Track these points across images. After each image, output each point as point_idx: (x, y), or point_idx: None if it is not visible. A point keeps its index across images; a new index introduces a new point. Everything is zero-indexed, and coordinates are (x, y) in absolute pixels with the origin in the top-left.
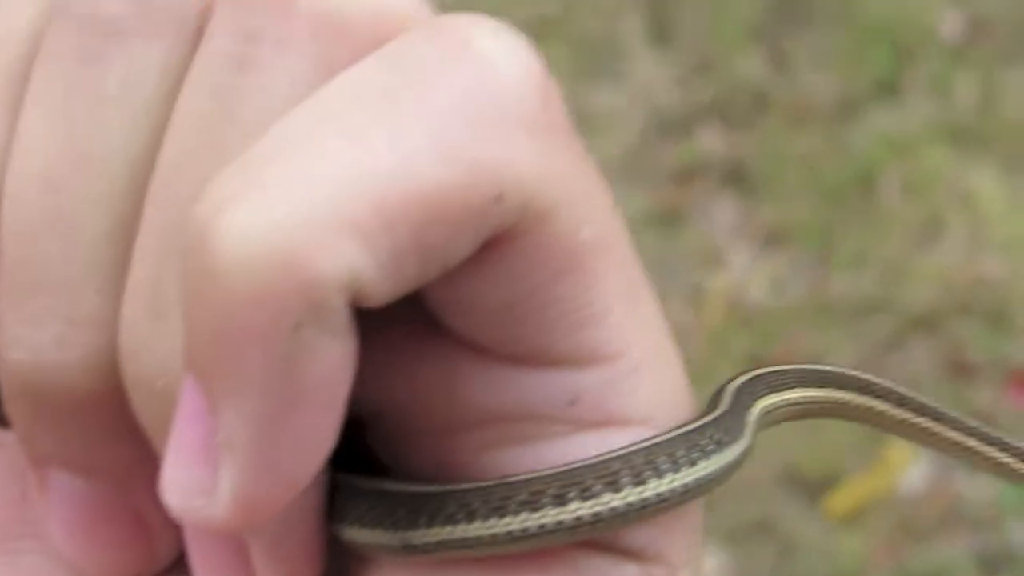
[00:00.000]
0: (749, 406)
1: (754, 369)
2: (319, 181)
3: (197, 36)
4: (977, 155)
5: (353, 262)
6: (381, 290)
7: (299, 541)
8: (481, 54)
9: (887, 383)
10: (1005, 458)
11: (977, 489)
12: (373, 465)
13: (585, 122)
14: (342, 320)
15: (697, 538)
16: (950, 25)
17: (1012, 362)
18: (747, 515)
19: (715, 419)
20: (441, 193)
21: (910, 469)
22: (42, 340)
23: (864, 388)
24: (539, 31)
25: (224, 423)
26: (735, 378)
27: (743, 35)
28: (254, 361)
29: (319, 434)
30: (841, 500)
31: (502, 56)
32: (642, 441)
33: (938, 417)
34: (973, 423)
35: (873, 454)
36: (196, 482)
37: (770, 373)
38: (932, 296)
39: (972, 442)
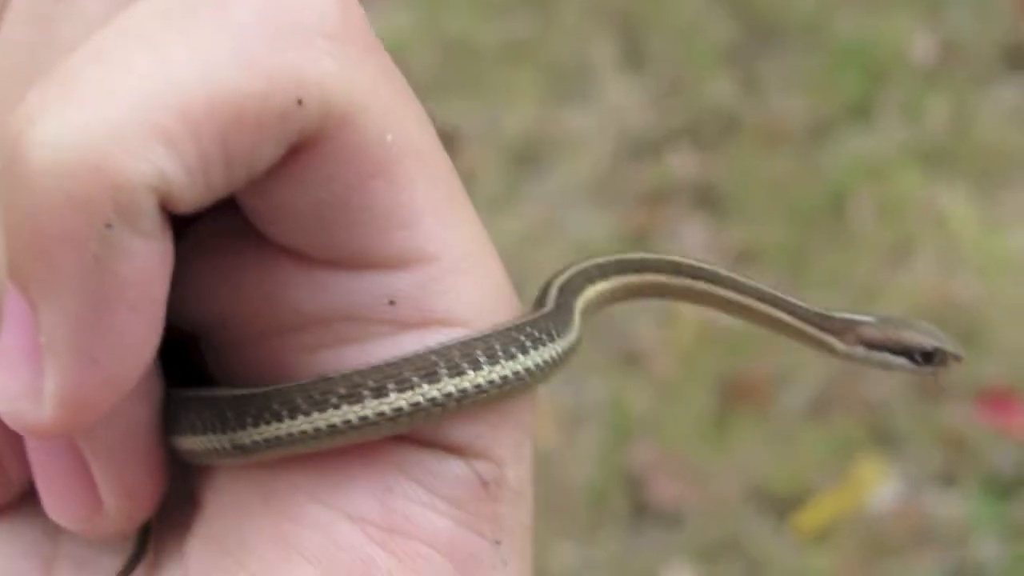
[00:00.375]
0: (572, 302)
1: (572, 265)
2: (125, 91)
3: None
4: (948, 177)
5: (160, 165)
6: (191, 194)
7: (136, 454)
8: None
9: (696, 263)
10: (806, 328)
11: (946, 506)
12: (207, 383)
13: (556, 145)
14: (153, 222)
15: (524, 437)
16: (921, 48)
17: (984, 381)
18: (716, 532)
19: (535, 318)
20: (242, 99)
21: (879, 486)
22: None
23: (677, 269)
24: (511, 55)
25: (44, 324)
26: (556, 276)
27: (714, 58)
28: (68, 261)
29: (138, 333)
30: (810, 517)
31: None
32: (461, 338)
33: (742, 289)
34: (777, 293)
35: (842, 471)
36: (22, 385)
37: (589, 267)
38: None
39: (776, 312)
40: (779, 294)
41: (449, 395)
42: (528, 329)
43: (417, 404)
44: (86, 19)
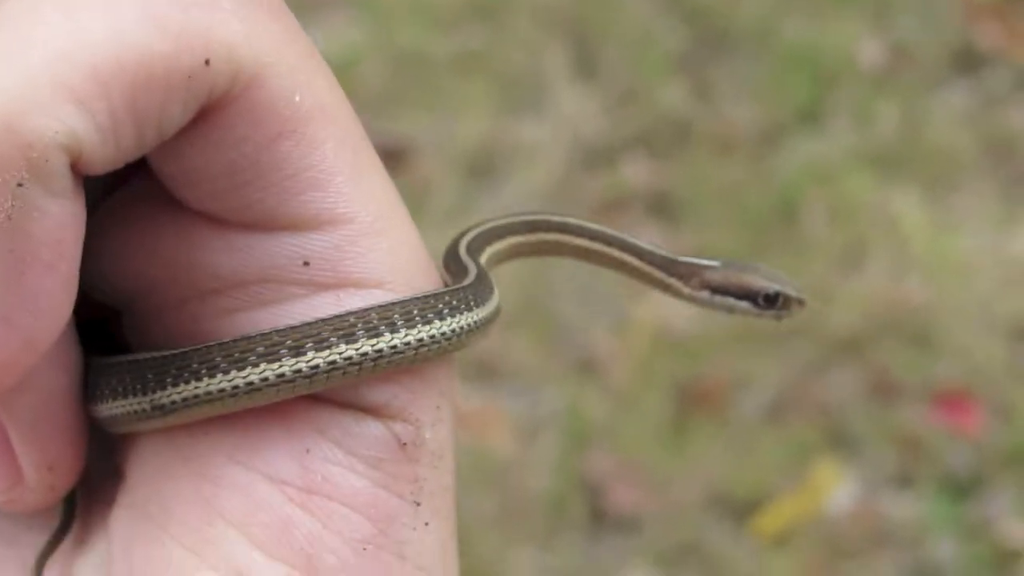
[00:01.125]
0: (483, 270)
1: (472, 228)
2: (34, 51)
3: None
4: (899, 180)
5: (71, 124)
6: (103, 154)
7: (56, 424)
8: None
9: (549, 216)
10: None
11: (903, 507)
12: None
13: (510, 155)
14: (65, 182)
15: (443, 401)
16: (869, 53)
17: (937, 382)
18: (675, 538)
19: (455, 288)
20: (150, 59)
21: (836, 489)
22: None
23: (532, 226)
24: (464, 66)
25: None
26: (460, 238)
27: (666, 67)
28: None
29: (52, 294)
30: (769, 521)
31: None
32: (380, 302)
33: (592, 236)
34: (626, 238)
35: (799, 475)
36: None
37: (487, 230)
38: (856, 320)
39: (625, 256)
40: (628, 239)
41: (365, 355)
42: (447, 297)
43: (334, 363)
44: None
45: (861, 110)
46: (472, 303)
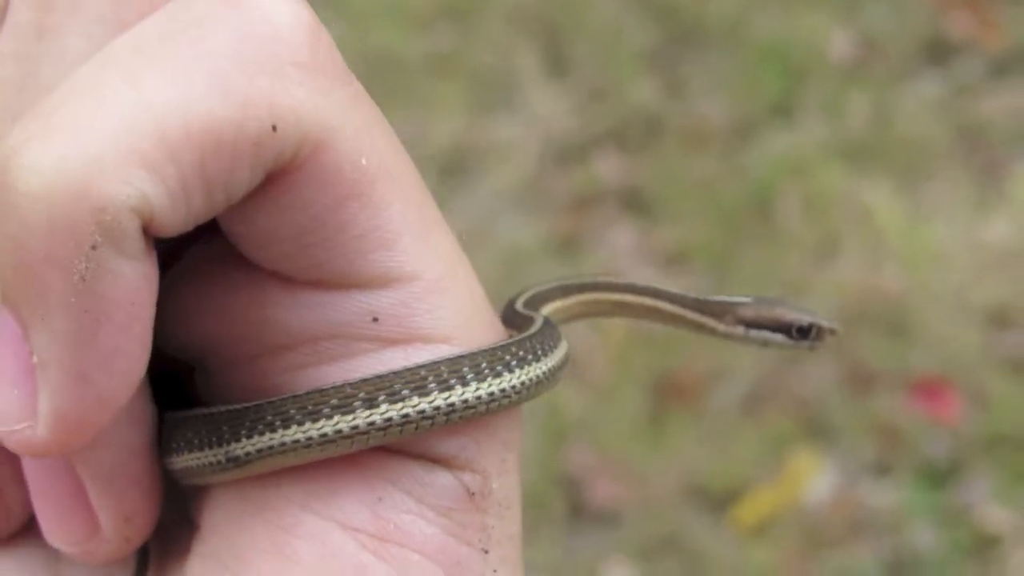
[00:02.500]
0: (549, 321)
1: (515, 298)
2: (105, 119)
3: (3, 13)
4: (871, 172)
5: (142, 188)
6: (173, 217)
7: (131, 477)
8: (254, 3)
9: (610, 279)
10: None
11: (881, 496)
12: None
13: (483, 154)
14: (137, 244)
15: (508, 453)
16: (840, 46)
17: (913, 371)
18: (654, 531)
19: (521, 338)
20: (218, 125)
21: (814, 479)
22: None
23: (595, 287)
24: (436, 67)
25: (36, 344)
26: (517, 298)
27: (637, 64)
28: (56, 282)
29: (127, 352)
30: (747, 512)
31: (272, 4)
32: (450, 355)
33: (658, 295)
34: (656, 287)
35: (777, 466)
36: (18, 407)
37: (528, 299)
38: (831, 310)
39: (658, 303)
40: (659, 288)
41: (438, 409)
42: (514, 349)
43: (407, 416)
44: (68, 57)
45: (832, 102)
46: (540, 353)
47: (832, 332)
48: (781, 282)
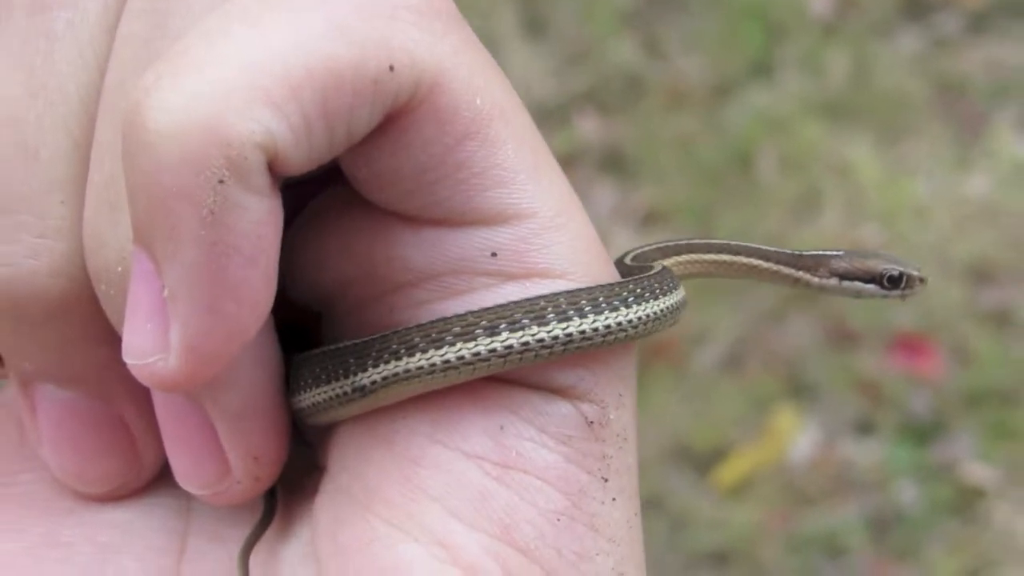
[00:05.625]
0: (667, 268)
1: (628, 252)
2: (231, 60)
3: None
4: (851, 128)
5: (267, 124)
6: (296, 154)
7: (260, 417)
8: None
9: (707, 240)
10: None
11: (864, 453)
12: None
13: None
14: (262, 180)
15: (625, 388)
16: (819, 3)
17: (893, 327)
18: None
19: (640, 277)
20: (337, 64)
21: (797, 437)
22: (16, 253)
23: (691, 249)
24: None
25: (167, 278)
26: (624, 256)
27: (616, 23)
28: (186, 216)
29: (253, 285)
30: (730, 471)
31: None
32: (570, 288)
33: (753, 253)
34: (750, 245)
35: (760, 424)
36: (151, 340)
37: (643, 252)
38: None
39: (754, 261)
40: (753, 246)
41: (556, 338)
42: (631, 286)
43: (526, 344)
44: (195, 9)
45: (812, 59)
46: (657, 292)
47: (922, 280)
48: (762, 239)
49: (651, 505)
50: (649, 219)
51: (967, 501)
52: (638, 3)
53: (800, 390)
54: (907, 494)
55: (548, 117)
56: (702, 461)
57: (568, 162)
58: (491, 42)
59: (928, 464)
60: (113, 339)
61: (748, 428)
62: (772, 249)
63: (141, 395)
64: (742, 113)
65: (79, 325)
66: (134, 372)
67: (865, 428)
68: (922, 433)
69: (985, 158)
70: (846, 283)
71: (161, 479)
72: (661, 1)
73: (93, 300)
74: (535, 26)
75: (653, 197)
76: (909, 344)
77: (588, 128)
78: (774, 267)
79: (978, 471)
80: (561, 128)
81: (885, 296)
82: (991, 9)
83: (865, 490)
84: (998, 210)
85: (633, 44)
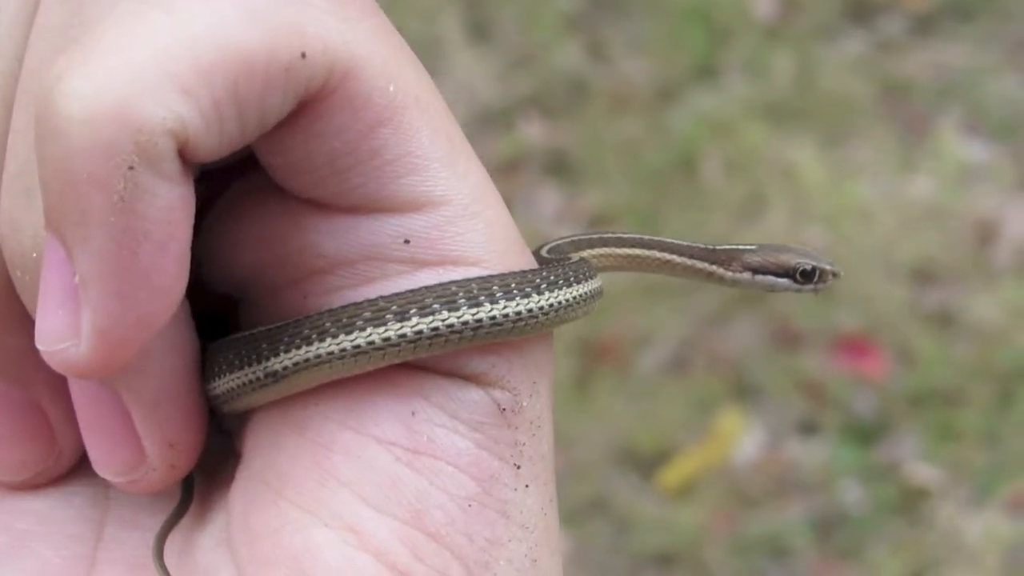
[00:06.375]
0: (583, 259)
1: (542, 245)
2: (141, 46)
3: None
4: (795, 130)
5: (177, 110)
6: (207, 141)
7: (175, 403)
8: None
9: (619, 234)
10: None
11: (809, 454)
12: None
13: None
14: (173, 166)
15: (540, 375)
16: (763, 5)
17: (837, 329)
18: (583, 494)
19: (554, 266)
20: (249, 51)
21: (741, 438)
22: None
23: (604, 243)
24: None
25: (78, 264)
26: (539, 249)
27: (560, 27)
28: (96, 202)
29: (164, 271)
30: (675, 473)
31: None
32: (481, 275)
33: (666, 247)
34: (664, 239)
35: (704, 426)
36: (62, 326)
37: (556, 246)
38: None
39: (667, 256)
40: (667, 240)
41: (466, 323)
42: (544, 273)
43: (436, 329)
44: None
45: (756, 62)
46: (571, 280)
47: (835, 275)
48: (707, 241)
49: (596, 507)
50: (594, 223)
51: (911, 501)
52: (582, 7)
53: (744, 391)
54: (851, 495)
55: (493, 121)
56: (647, 463)
57: (513, 166)
58: (436, 46)
59: (872, 465)
60: (30, 325)
61: (693, 430)
62: (685, 244)
63: (58, 382)
64: (686, 116)
65: None
66: (46, 358)
67: (809, 429)
68: (866, 434)
69: (929, 160)
70: (759, 277)
71: (79, 468)
72: (605, 4)
73: (9, 287)
74: (480, 30)
75: (598, 200)
76: (853, 345)
77: (533, 132)
78: (687, 261)
79: (922, 471)
80: (506, 132)
81: (799, 290)
82: (935, 11)
83: (809, 491)
84: (942, 211)
85: (577, 48)
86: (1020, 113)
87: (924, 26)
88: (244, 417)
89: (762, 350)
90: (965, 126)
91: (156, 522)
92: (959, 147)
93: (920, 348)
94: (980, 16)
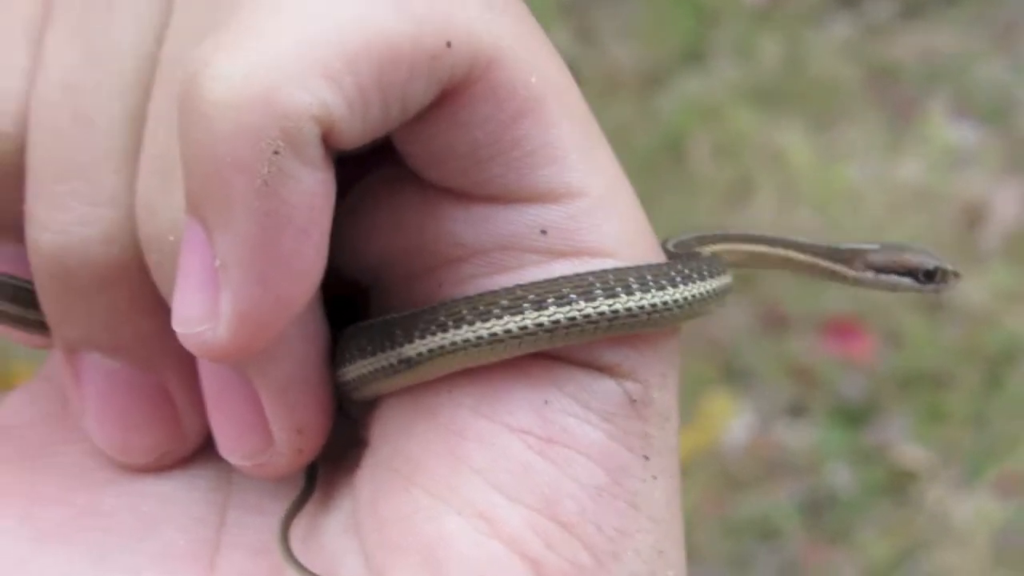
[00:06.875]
0: (712, 256)
1: (668, 239)
2: (289, 31)
3: None
4: (784, 114)
5: (322, 97)
6: (351, 128)
7: (305, 389)
8: None
9: (742, 231)
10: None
11: (797, 436)
12: None
13: None
14: (316, 152)
15: (669, 368)
16: None
17: (825, 312)
18: None
19: (688, 259)
20: (396, 39)
21: (730, 422)
22: (68, 220)
23: (726, 239)
24: None
25: (219, 248)
26: (665, 243)
27: (549, 12)
28: (240, 186)
29: (304, 257)
30: None
31: None
32: (618, 267)
33: (790, 245)
34: (787, 238)
35: (693, 409)
36: (201, 309)
37: (682, 240)
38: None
39: (791, 254)
40: (790, 238)
41: (602, 314)
42: (679, 267)
43: (573, 319)
44: None
45: (744, 46)
46: (705, 274)
47: (956, 275)
48: (696, 226)
49: None
50: None
51: (899, 483)
52: None
53: (734, 375)
54: (840, 477)
55: None
56: None
57: None
58: None
59: (861, 447)
60: (161, 309)
61: (682, 413)
62: (809, 242)
63: (186, 366)
64: (675, 101)
65: (128, 294)
66: (183, 341)
67: (798, 412)
68: (855, 416)
69: (917, 143)
70: (882, 276)
71: (202, 452)
72: None
73: (143, 269)
74: None
75: None
76: (842, 328)
77: None
78: (811, 259)
79: (910, 454)
80: None
81: (920, 290)
82: None
83: (798, 473)
84: (930, 195)
85: (567, 33)
86: (1008, 96)
87: (912, 10)
88: (371, 404)
89: (751, 334)
90: (953, 109)
91: (279, 508)
92: (947, 131)
93: (908, 331)
94: (968, 0)
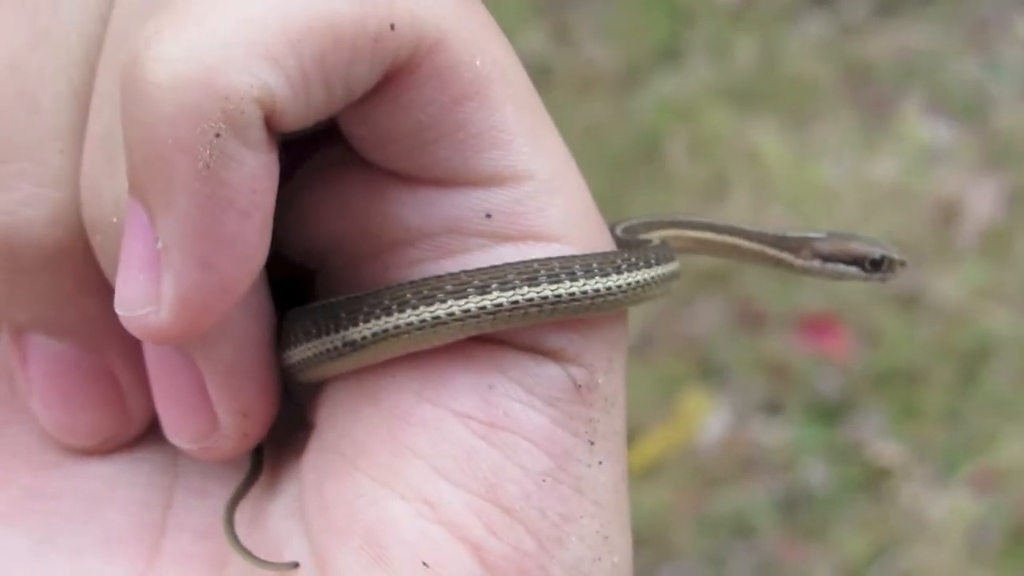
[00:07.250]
0: (663, 242)
1: (616, 223)
2: (231, 13)
3: None
4: (759, 113)
5: (264, 79)
6: (294, 110)
7: (250, 371)
8: None
9: (690, 217)
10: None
11: (773, 434)
12: None
13: None
14: (259, 134)
15: (615, 353)
16: None
17: (801, 309)
18: None
19: (636, 247)
20: (338, 20)
21: (706, 419)
22: (14, 201)
23: (675, 224)
24: None
25: (161, 231)
26: (614, 227)
27: (524, 11)
28: (182, 168)
29: (247, 240)
30: (640, 454)
31: None
32: (563, 254)
33: (737, 232)
34: (734, 224)
35: (669, 407)
36: (143, 292)
37: (629, 225)
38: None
39: (737, 240)
40: (737, 226)
41: (545, 298)
42: (625, 255)
43: (516, 303)
44: None
45: (719, 45)
46: (651, 262)
47: (902, 264)
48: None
49: None
50: None
51: (875, 480)
52: None
53: (709, 372)
54: (816, 474)
55: None
56: None
57: None
58: None
59: (836, 444)
60: (106, 291)
61: (658, 410)
62: (756, 230)
63: (132, 348)
64: (650, 100)
65: (73, 275)
66: (125, 324)
67: (774, 409)
68: (830, 413)
69: (892, 141)
70: (829, 265)
71: (149, 435)
72: None
73: (88, 251)
74: None
75: None
76: (817, 325)
77: None
78: (757, 247)
79: (886, 450)
80: None
81: (866, 279)
82: None
83: (774, 471)
84: (905, 192)
85: (542, 32)
86: (982, 94)
87: (886, 8)
88: (317, 387)
89: (727, 331)
90: (927, 107)
91: (225, 491)
92: (921, 128)
93: (884, 328)
94: None
